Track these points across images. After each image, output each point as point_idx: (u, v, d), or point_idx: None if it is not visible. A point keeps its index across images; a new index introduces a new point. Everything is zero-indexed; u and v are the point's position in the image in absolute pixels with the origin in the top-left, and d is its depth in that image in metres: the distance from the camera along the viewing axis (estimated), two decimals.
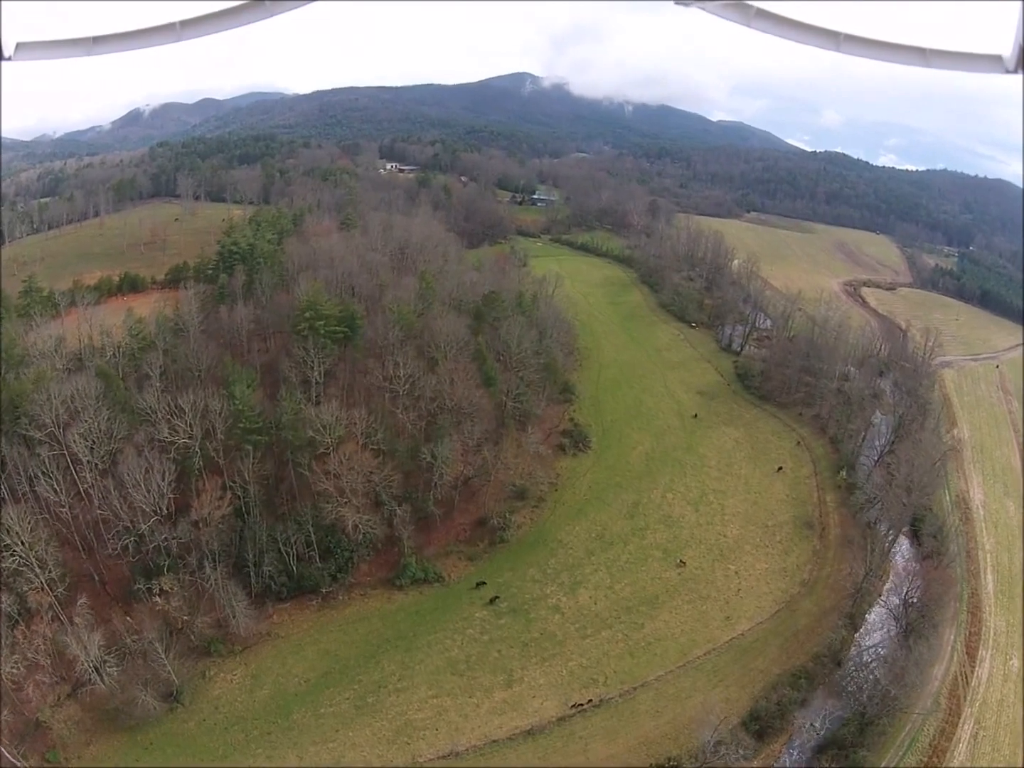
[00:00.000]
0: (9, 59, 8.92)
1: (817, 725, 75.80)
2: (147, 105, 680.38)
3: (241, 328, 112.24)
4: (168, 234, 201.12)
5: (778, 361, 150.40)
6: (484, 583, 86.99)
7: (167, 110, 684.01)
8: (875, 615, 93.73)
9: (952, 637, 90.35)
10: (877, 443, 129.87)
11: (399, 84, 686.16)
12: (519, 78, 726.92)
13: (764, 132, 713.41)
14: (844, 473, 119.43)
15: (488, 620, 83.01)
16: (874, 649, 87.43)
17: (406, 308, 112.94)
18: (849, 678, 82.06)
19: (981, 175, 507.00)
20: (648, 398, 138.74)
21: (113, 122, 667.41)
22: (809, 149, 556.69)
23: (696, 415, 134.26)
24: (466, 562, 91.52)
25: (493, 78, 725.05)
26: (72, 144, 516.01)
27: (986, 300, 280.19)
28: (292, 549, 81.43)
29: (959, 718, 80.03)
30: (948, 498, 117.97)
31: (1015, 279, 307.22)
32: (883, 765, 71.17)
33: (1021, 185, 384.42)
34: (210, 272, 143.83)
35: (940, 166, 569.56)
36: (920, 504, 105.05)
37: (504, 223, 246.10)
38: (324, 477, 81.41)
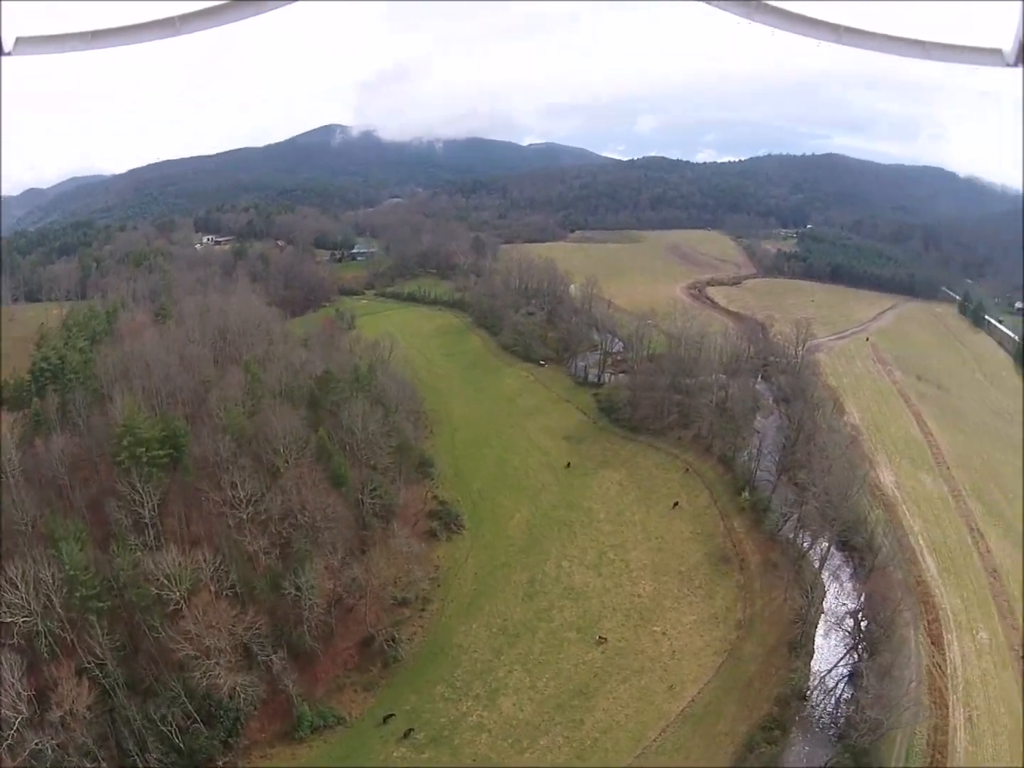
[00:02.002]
0: (9, 54, 9.65)
1: None
2: None
3: (60, 463, 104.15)
4: None
5: (642, 385, 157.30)
6: (392, 715, 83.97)
7: None
8: (825, 636, 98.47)
9: (912, 633, 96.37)
10: (768, 451, 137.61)
11: (212, 152, 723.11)
12: (329, 131, 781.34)
13: (578, 149, 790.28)
14: (747, 493, 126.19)
15: (409, 758, 79.43)
16: (836, 671, 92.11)
17: (234, 410, 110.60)
18: (820, 708, 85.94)
19: (808, 153, 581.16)
20: (512, 456, 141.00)
21: None
22: (625, 159, 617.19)
23: (569, 464, 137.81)
24: (364, 693, 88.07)
25: (303, 133, 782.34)
26: None
27: (837, 275, 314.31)
28: (172, 724, 77.72)
29: (947, 708, 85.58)
30: (856, 488, 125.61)
31: (862, 248, 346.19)
32: None
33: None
34: (24, 395, 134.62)
35: (762, 152, 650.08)
36: (840, 507, 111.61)
37: (325, 284, 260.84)
38: (183, 640, 77.57)
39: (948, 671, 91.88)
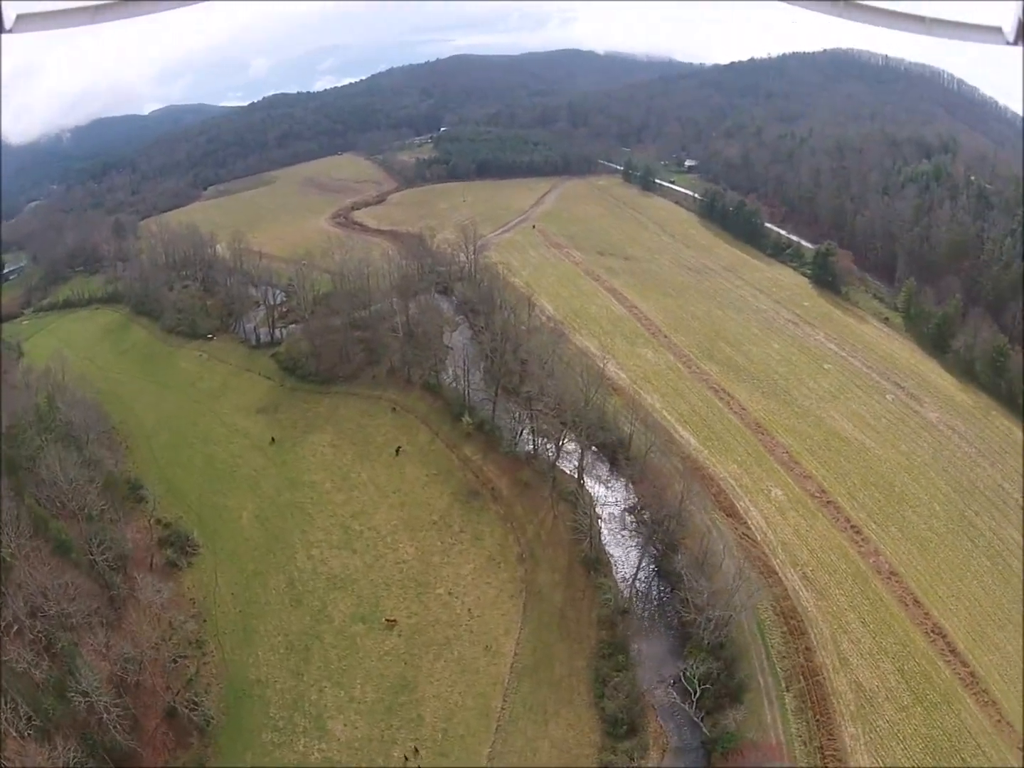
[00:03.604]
0: (10, 31, 10.43)
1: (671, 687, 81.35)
2: None
3: None
4: None
5: (318, 331, 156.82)
6: None
7: None
8: (614, 541, 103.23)
9: (703, 513, 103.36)
10: (470, 366, 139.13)
11: None
12: None
13: (196, 106, 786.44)
14: (467, 417, 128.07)
15: None
16: (642, 573, 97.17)
17: None
18: (648, 616, 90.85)
19: (432, 59, 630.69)
20: (215, 448, 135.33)
21: None
22: (245, 104, 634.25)
23: (273, 440, 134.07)
24: None
25: None
26: None
27: (484, 170, 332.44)
28: None
29: (777, 574, 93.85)
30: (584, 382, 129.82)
31: (505, 138, 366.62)
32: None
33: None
34: None
35: (383, 68, 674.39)
36: (573, 407, 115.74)
37: None
38: None
39: (760, 538, 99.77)
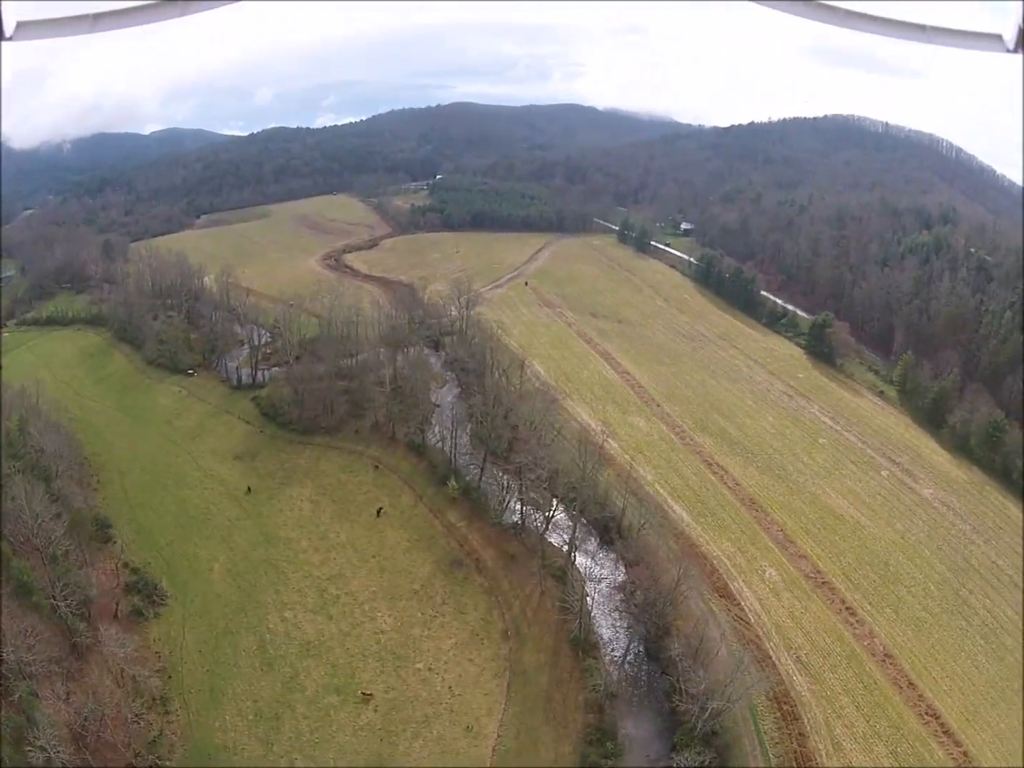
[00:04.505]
0: (10, 39, 10.51)
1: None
2: None
3: None
4: None
5: (301, 377, 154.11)
6: None
7: None
8: (604, 621, 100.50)
9: (696, 593, 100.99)
10: (455, 425, 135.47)
11: None
12: None
13: (197, 131, 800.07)
14: (453, 482, 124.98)
15: None
16: (629, 656, 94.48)
17: None
18: (637, 701, 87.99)
19: (433, 105, 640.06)
20: (189, 492, 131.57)
21: None
22: (245, 134, 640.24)
23: (249, 489, 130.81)
24: None
25: None
26: None
27: (479, 222, 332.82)
28: None
29: (771, 658, 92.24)
30: (581, 455, 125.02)
31: (501, 191, 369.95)
32: None
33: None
34: None
35: (384, 109, 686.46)
36: (564, 477, 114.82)
37: None
38: None
39: (753, 620, 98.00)
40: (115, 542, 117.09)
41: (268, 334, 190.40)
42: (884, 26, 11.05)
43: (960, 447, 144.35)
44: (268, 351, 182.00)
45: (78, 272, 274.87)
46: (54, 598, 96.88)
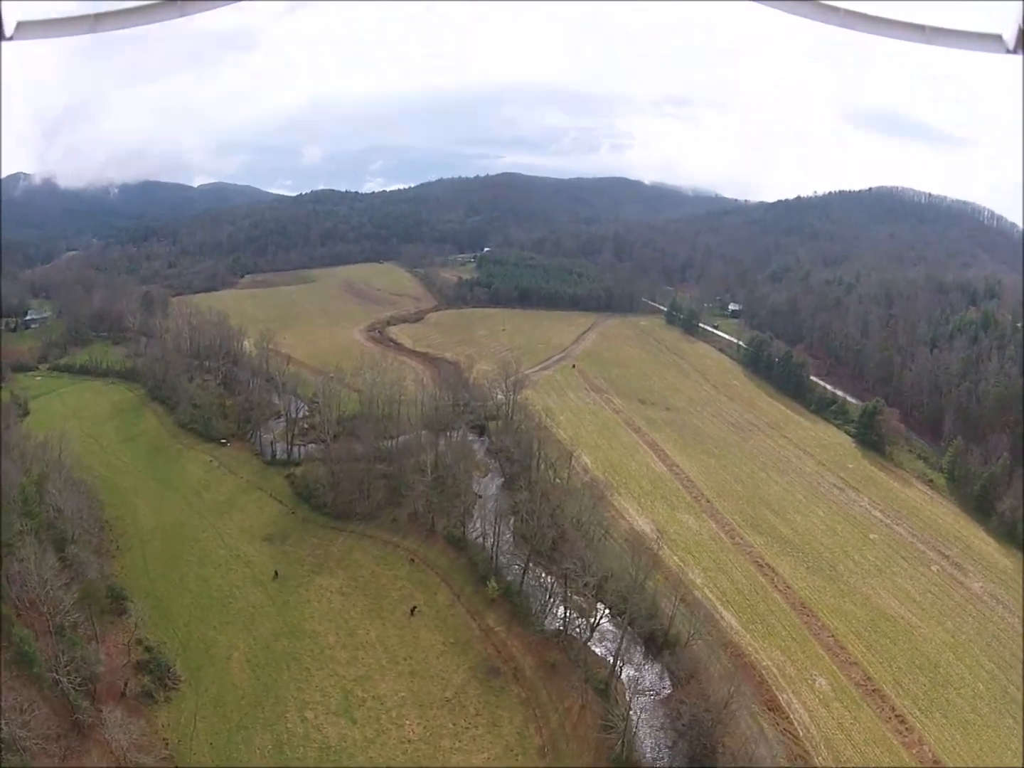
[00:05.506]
0: (10, 39, 10.85)
1: None
2: None
3: None
4: None
5: (338, 458, 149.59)
6: None
7: None
8: (649, 740, 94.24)
9: (747, 716, 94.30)
10: (499, 519, 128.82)
11: None
12: (13, 180, 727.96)
13: (245, 187, 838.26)
14: (493, 582, 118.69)
15: None
16: None
17: None
18: None
19: (481, 175, 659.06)
20: (213, 572, 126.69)
21: None
22: (293, 194, 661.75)
23: (276, 574, 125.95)
24: None
25: None
26: None
27: (526, 298, 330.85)
28: None
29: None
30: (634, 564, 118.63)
31: (549, 267, 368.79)
32: None
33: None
34: None
35: (433, 177, 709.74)
36: (612, 582, 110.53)
37: None
38: None
39: (802, 734, 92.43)
40: (129, 616, 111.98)
41: (306, 407, 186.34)
42: (884, 26, 11.33)
43: (1008, 534, 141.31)
44: (305, 426, 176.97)
45: (116, 321, 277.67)
46: (56, 671, 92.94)
